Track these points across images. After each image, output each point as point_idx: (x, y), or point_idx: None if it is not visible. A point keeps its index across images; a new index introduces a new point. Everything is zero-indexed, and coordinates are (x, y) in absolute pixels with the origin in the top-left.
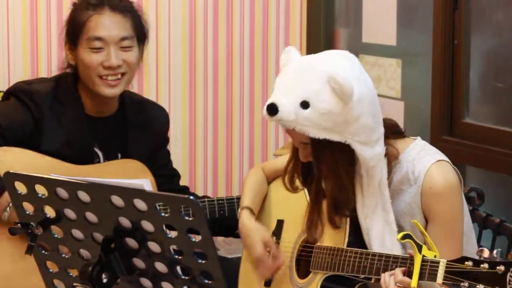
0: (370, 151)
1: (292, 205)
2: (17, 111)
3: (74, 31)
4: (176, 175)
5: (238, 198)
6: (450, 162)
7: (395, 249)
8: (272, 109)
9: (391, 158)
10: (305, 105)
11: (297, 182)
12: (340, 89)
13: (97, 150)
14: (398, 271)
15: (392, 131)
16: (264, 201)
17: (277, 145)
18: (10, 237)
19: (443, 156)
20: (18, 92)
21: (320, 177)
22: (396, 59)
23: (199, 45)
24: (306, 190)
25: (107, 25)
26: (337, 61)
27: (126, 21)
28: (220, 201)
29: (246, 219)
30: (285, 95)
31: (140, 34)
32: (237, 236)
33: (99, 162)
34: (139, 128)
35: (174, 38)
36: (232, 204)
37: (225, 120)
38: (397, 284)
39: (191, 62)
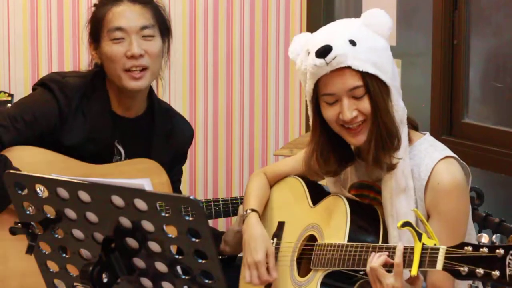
0: (402, 103)
1: (293, 208)
2: (44, 102)
3: (96, 28)
4: None
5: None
6: (458, 158)
7: (409, 217)
8: (326, 49)
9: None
10: (353, 43)
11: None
12: (379, 21)
13: (119, 147)
14: (399, 253)
15: (409, 122)
16: (266, 203)
17: (277, 145)
18: (24, 236)
19: (451, 153)
20: (50, 82)
21: (375, 115)
22: (396, 59)
23: (199, 44)
24: (307, 193)
25: (127, 15)
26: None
27: (145, 11)
28: (234, 200)
29: (254, 222)
30: (331, 39)
31: (162, 26)
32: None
33: (120, 159)
34: (164, 136)
35: (174, 37)
36: (236, 205)
37: (225, 120)
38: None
39: (191, 62)
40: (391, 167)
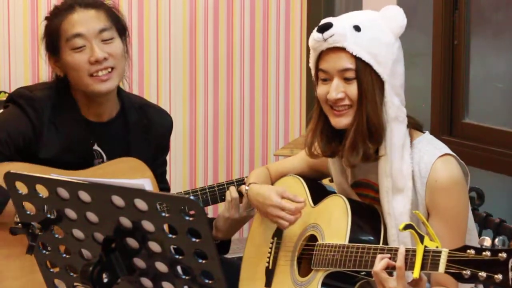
0: (397, 101)
1: None
2: (15, 119)
3: (52, 40)
4: (166, 189)
5: (238, 181)
6: (456, 156)
7: (404, 217)
8: (326, 26)
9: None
10: (357, 28)
11: (318, 150)
12: (394, 17)
13: (99, 149)
14: (401, 257)
15: (412, 122)
16: None
17: (278, 145)
18: (19, 254)
19: (449, 151)
20: (19, 98)
21: (361, 102)
22: None
23: (200, 45)
24: (308, 192)
25: (83, 21)
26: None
27: (100, 14)
28: (221, 186)
29: (256, 186)
30: (338, 20)
31: (118, 26)
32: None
33: (102, 161)
34: (141, 132)
35: (175, 38)
36: (223, 191)
37: (225, 120)
38: (397, 267)
39: (191, 62)
40: (367, 157)
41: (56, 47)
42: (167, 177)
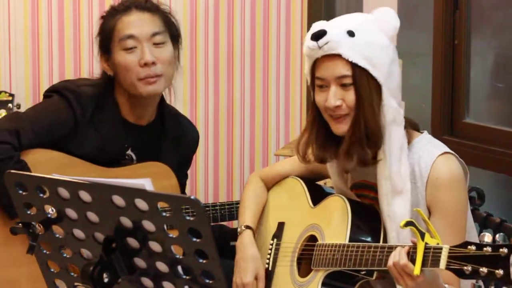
0: (395, 104)
1: (293, 208)
2: (60, 110)
3: (106, 39)
4: None
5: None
6: (456, 155)
7: (406, 217)
8: (319, 33)
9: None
10: (351, 33)
11: (310, 156)
12: (386, 19)
13: (131, 153)
14: (403, 253)
15: (409, 122)
16: (264, 206)
17: (278, 145)
18: (13, 243)
19: (449, 149)
20: (66, 91)
21: (358, 108)
22: None
23: (200, 44)
24: (307, 193)
25: (137, 23)
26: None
27: (155, 18)
28: (222, 206)
29: (248, 242)
30: (331, 27)
31: (172, 31)
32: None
33: (131, 163)
34: (172, 140)
35: None
36: (232, 210)
37: (226, 120)
38: (402, 265)
39: (192, 62)
40: (364, 163)
41: (108, 46)
42: None
